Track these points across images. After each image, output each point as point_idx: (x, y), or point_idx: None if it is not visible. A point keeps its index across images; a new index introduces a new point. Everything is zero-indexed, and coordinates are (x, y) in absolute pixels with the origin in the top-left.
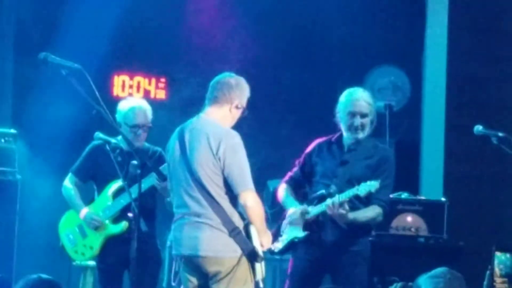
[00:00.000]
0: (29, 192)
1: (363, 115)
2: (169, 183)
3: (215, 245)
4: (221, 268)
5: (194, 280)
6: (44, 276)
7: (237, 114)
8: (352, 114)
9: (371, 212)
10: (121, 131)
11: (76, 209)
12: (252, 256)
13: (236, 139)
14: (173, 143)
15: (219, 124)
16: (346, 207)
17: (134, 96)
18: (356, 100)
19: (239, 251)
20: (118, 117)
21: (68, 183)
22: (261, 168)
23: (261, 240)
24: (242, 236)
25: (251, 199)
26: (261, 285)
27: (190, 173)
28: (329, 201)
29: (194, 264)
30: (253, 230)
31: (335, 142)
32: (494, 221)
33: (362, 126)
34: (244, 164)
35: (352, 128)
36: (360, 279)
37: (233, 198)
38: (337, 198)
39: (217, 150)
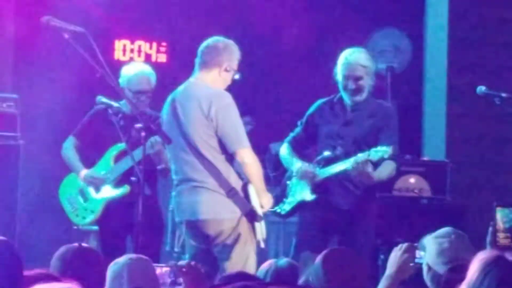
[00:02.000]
0: (31, 157)
1: (357, 78)
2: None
3: (214, 207)
4: (222, 230)
5: (197, 245)
6: (84, 245)
7: (227, 77)
8: (346, 77)
9: (389, 168)
10: (125, 95)
11: (76, 170)
12: (250, 216)
13: (227, 99)
14: (166, 110)
15: (209, 86)
16: (370, 165)
17: (135, 60)
18: (350, 63)
19: (238, 212)
20: (121, 82)
21: (68, 145)
22: (263, 131)
23: (261, 200)
24: (239, 197)
25: (248, 156)
26: (262, 245)
27: (184, 138)
28: (351, 159)
29: (195, 229)
30: (251, 190)
31: (337, 103)
32: (496, 181)
33: (358, 89)
34: (237, 123)
35: (347, 90)
36: (367, 241)
37: (229, 158)
38: (362, 156)
39: (208, 111)
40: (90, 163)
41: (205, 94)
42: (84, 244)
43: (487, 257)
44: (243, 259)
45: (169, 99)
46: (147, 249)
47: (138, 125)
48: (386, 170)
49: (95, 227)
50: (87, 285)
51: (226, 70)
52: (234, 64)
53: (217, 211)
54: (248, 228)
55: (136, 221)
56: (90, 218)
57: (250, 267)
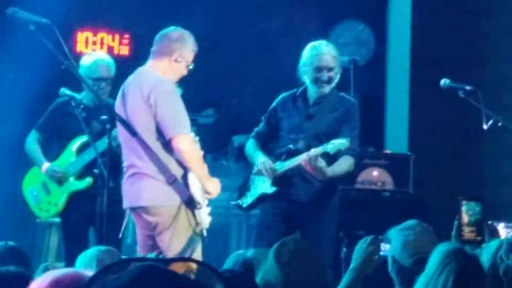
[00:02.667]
0: None
1: (330, 69)
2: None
3: (153, 195)
4: (161, 218)
5: (142, 232)
6: (10, 243)
7: (178, 67)
8: (319, 69)
9: (346, 163)
10: (89, 86)
11: (38, 164)
12: (189, 203)
13: (169, 85)
14: (117, 98)
15: (156, 74)
16: (322, 160)
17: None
18: (322, 55)
19: (177, 200)
20: (81, 71)
21: (31, 139)
22: (226, 124)
23: (206, 187)
24: (179, 184)
25: (184, 143)
26: (204, 233)
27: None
28: (304, 155)
29: (138, 216)
30: (191, 178)
31: (300, 96)
32: (459, 174)
33: (329, 80)
34: (177, 109)
35: (319, 82)
36: (329, 233)
37: (169, 146)
38: (313, 151)
39: (148, 97)
40: (53, 156)
41: (148, 80)
42: (9, 242)
43: (446, 249)
44: (185, 248)
45: (122, 86)
46: (109, 242)
47: (104, 117)
48: (342, 165)
49: (58, 219)
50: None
51: (176, 61)
52: (187, 55)
53: (155, 198)
54: (189, 216)
55: (100, 213)
56: (54, 211)
57: (192, 254)
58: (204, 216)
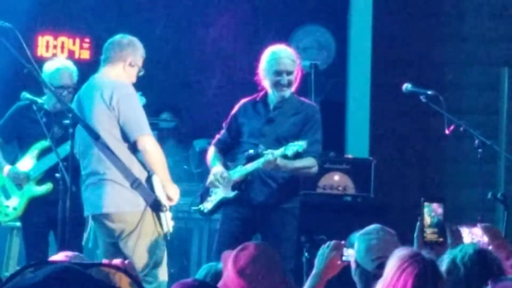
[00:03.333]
0: None
1: (289, 72)
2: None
3: (117, 201)
4: (125, 224)
5: (105, 239)
6: None
7: (132, 72)
8: (278, 73)
9: (307, 161)
10: (52, 90)
11: None
12: (155, 206)
13: (129, 89)
14: (73, 106)
15: (110, 79)
16: (282, 160)
17: (59, 56)
18: (281, 58)
19: (142, 205)
20: (43, 77)
21: None
22: (187, 128)
23: (168, 192)
24: (143, 187)
25: (149, 143)
26: (168, 237)
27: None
28: (265, 156)
29: (100, 223)
30: (156, 180)
31: (260, 101)
32: (420, 178)
33: (289, 83)
34: (139, 111)
35: (279, 86)
36: (289, 237)
37: (132, 149)
38: (271, 154)
39: (110, 100)
40: (12, 159)
41: (107, 84)
42: None
43: (404, 253)
44: (150, 252)
45: (76, 95)
46: (71, 246)
47: (66, 121)
48: (304, 162)
49: (18, 223)
50: None
51: (130, 65)
52: (138, 60)
53: (119, 204)
54: (154, 220)
55: (62, 218)
56: (12, 215)
57: (159, 260)
58: (168, 220)
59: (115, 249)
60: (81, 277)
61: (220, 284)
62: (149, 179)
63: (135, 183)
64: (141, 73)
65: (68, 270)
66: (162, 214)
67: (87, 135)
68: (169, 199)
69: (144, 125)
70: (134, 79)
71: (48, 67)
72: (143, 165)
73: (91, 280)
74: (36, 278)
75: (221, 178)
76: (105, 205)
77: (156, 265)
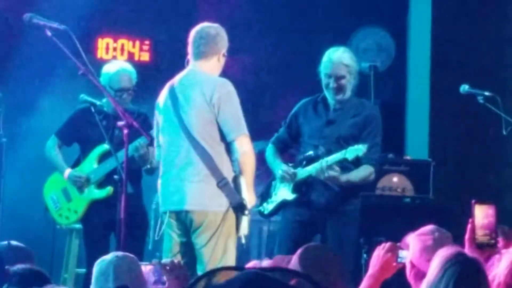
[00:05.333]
0: (13, 155)
1: (339, 77)
2: (158, 140)
3: (201, 198)
4: (205, 222)
5: (177, 238)
6: (14, 243)
7: (223, 61)
8: (328, 76)
9: (363, 172)
10: (107, 92)
11: (60, 170)
12: (239, 208)
13: (230, 87)
14: (164, 98)
15: (210, 74)
16: (337, 168)
17: (118, 58)
18: (333, 62)
19: (225, 205)
20: (103, 80)
21: (51, 144)
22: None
23: (248, 196)
24: (230, 187)
25: (247, 144)
26: (243, 240)
27: (182, 124)
28: (317, 165)
29: (179, 220)
30: (242, 182)
31: (320, 102)
32: (479, 180)
33: (340, 88)
34: (239, 110)
35: (329, 89)
36: (350, 239)
37: (226, 148)
38: (325, 162)
39: (211, 97)
40: (73, 162)
41: (209, 81)
42: (13, 242)
43: (447, 253)
44: (221, 252)
45: (167, 86)
46: (129, 247)
47: (121, 123)
48: (360, 174)
49: (78, 226)
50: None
51: (223, 56)
52: (226, 48)
53: (203, 202)
54: (233, 222)
55: (118, 219)
56: (73, 218)
57: (228, 261)
58: (247, 223)
59: (183, 248)
60: (275, 285)
61: None
62: (235, 180)
63: (221, 182)
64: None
65: (261, 277)
66: (243, 217)
67: (176, 126)
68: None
69: (243, 126)
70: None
71: (108, 70)
72: (232, 166)
73: (284, 286)
74: (232, 286)
75: (292, 173)
76: (188, 202)
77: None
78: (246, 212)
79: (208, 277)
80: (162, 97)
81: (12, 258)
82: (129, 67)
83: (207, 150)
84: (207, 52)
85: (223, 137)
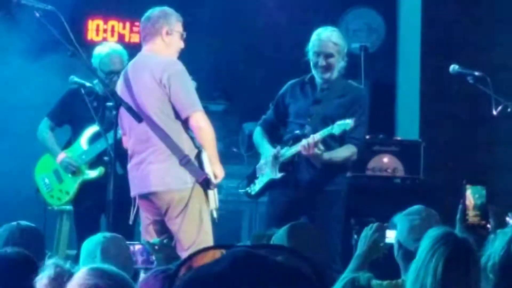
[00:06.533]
0: (5, 136)
1: (328, 55)
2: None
3: (165, 178)
4: (173, 201)
5: (150, 218)
6: (23, 223)
7: (173, 40)
8: (317, 54)
9: (346, 151)
10: (96, 74)
11: (52, 153)
12: (204, 184)
13: (179, 65)
14: (120, 86)
15: (158, 55)
16: (321, 147)
17: (109, 40)
18: (321, 40)
19: (190, 182)
20: (94, 62)
21: (43, 127)
22: (236, 112)
23: (214, 170)
24: (192, 164)
25: (202, 120)
26: (214, 214)
27: (138, 109)
28: (304, 141)
29: (148, 202)
30: (205, 157)
31: (308, 82)
32: (470, 160)
33: (328, 66)
34: (190, 88)
35: (317, 67)
36: (337, 218)
37: (183, 126)
38: (312, 139)
39: (160, 78)
40: (65, 142)
41: (156, 62)
42: (22, 222)
43: (436, 233)
44: (197, 229)
45: (122, 74)
46: (121, 228)
47: (110, 103)
48: (342, 153)
49: (69, 207)
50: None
51: (168, 34)
52: (176, 26)
53: (167, 182)
54: (202, 197)
55: (108, 200)
56: (65, 199)
57: (206, 236)
58: (215, 197)
59: (159, 227)
60: (263, 261)
61: None
62: (198, 156)
63: (183, 160)
64: (184, 36)
65: (249, 255)
66: (209, 192)
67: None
68: (215, 176)
69: (196, 102)
70: (179, 46)
71: (99, 52)
72: (193, 142)
73: (276, 264)
74: (219, 266)
75: (276, 156)
76: (152, 184)
77: (203, 242)
78: (212, 186)
79: (192, 260)
80: (118, 85)
81: (20, 239)
82: (120, 49)
83: (165, 130)
84: (148, 34)
85: (178, 115)
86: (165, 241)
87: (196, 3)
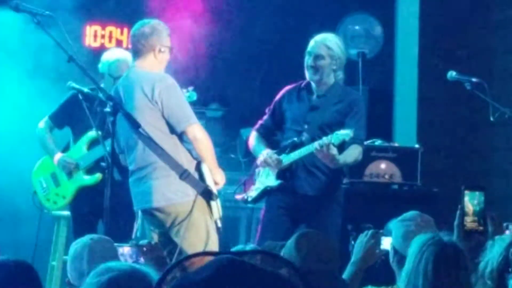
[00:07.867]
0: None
1: (317, 56)
2: (119, 145)
3: (166, 193)
4: (176, 214)
5: (156, 231)
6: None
7: (163, 57)
8: (309, 54)
9: (355, 151)
10: (92, 79)
11: (50, 154)
12: (206, 195)
13: (169, 80)
14: None
15: (149, 71)
16: (334, 148)
17: (106, 46)
18: (316, 41)
19: (192, 194)
20: (102, 67)
21: (43, 126)
22: (234, 117)
23: (215, 177)
24: (193, 177)
25: (199, 132)
26: (219, 224)
27: (131, 125)
28: (316, 143)
29: (151, 216)
30: (205, 168)
31: (304, 88)
32: (467, 167)
33: (316, 69)
34: (182, 101)
35: (307, 68)
36: (334, 226)
37: (179, 139)
38: (325, 140)
39: (152, 94)
40: (64, 146)
41: (147, 78)
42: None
43: (423, 238)
44: (203, 240)
45: (113, 90)
46: (117, 234)
47: (107, 110)
48: (352, 154)
49: (65, 213)
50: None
51: (160, 51)
52: (166, 41)
53: (170, 197)
54: (205, 209)
55: (105, 206)
56: (61, 203)
57: (213, 247)
58: (218, 207)
59: (165, 239)
60: (249, 268)
61: None
62: (198, 168)
63: (184, 175)
64: (174, 50)
65: (235, 262)
66: (212, 203)
67: (131, 130)
68: (216, 183)
69: (190, 114)
70: (167, 60)
71: (107, 58)
72: (191, 154)
73: (260, 271)
74: (203, 274)
75: (275, 159)
76: (154, 199)
77: None
78: (214, 197)
79: (180, 266)
80: None
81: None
82: (128, 55)
83: (161, 146)
84: (141, 50)
85: (173, 129)
86: (153, 243)
87: (191, 10)
